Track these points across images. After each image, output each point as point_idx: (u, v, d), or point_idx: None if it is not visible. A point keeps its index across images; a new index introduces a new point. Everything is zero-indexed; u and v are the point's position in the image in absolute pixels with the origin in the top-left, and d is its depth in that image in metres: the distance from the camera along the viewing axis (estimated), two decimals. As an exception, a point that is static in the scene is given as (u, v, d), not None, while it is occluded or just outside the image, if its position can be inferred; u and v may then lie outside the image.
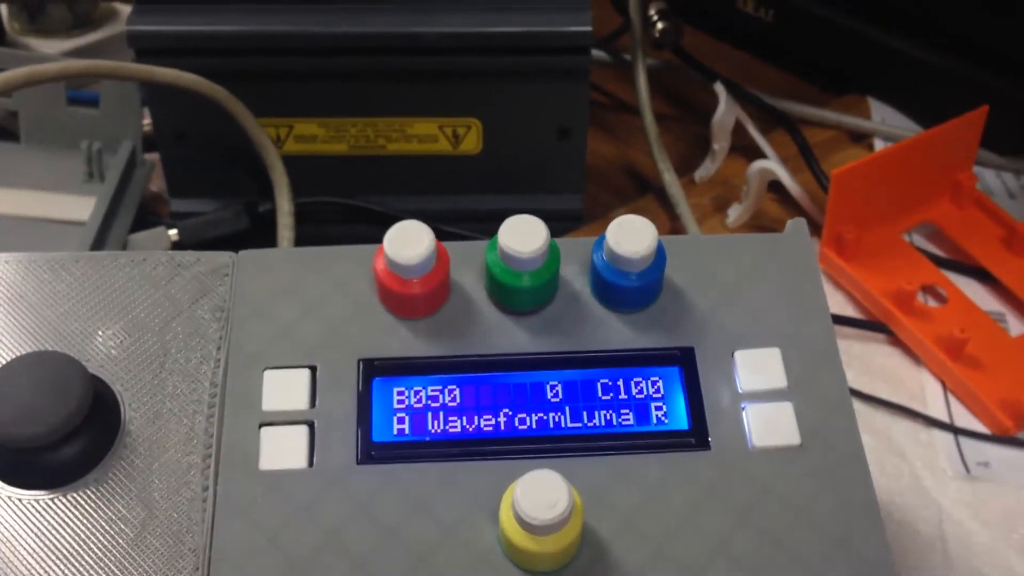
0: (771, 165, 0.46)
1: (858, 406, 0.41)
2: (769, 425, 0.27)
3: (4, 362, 0.25)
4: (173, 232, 0.43)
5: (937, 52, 0.52)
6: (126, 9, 0.55)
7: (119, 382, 0.26)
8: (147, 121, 0.46)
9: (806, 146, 0.50)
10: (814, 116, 0.54)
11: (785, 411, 0.27)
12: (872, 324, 0.43)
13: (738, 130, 0.50)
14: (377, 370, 0.27)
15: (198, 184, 0.46)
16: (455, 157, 0.46)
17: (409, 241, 0.27)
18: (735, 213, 0.48)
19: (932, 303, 0.43)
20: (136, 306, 0.27)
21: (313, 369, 0.27)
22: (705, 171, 0.50)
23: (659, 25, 0.50)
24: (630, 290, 0.28)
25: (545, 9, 0.43)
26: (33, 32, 0.53)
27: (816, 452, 0.26)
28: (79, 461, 0.25)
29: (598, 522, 0.25)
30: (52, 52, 0.52)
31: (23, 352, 0.26)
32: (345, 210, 0.46)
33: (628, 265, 0.27)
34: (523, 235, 0.27)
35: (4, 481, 0.25)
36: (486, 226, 0.47)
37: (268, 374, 0.27)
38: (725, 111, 0.47)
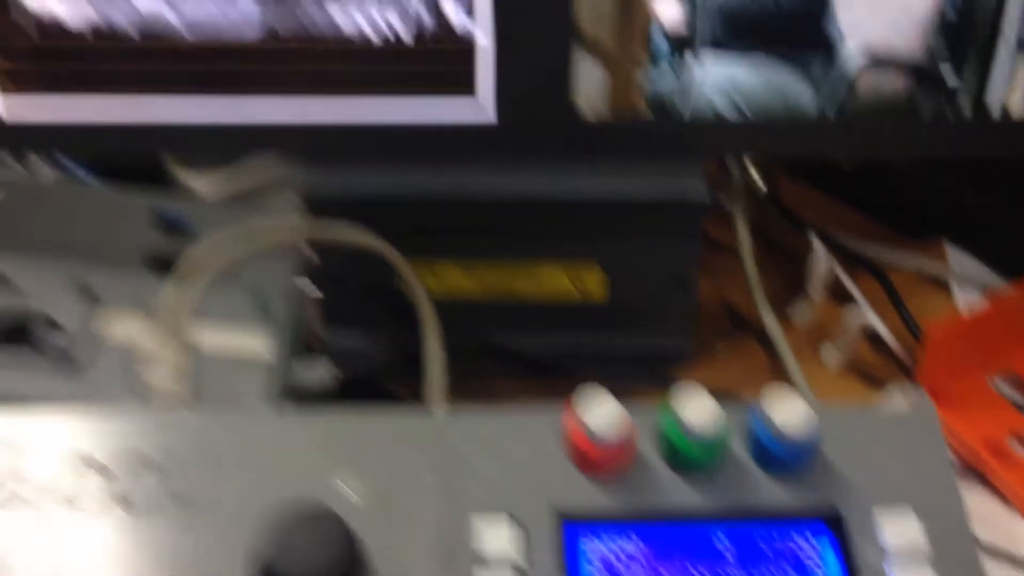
0: (868, 315, 0.51)
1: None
2: (913, 580, 0.31)
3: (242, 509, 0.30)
4: (332, 366, 0.48)
5: (1008, 206, 0.57)
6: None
7: (360, 529, 0.30)
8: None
9: (895, 293, 0.54)
10: (894, 259, 0.58)
11: (925, 571, 0.31)
12: (965, 470, 0.47)
13: (829, 275, 0.55)
14: (570, 520, 0.32)
15: (350, 319, 0.51)
16: (579, 300, 0.51)
17: (599, 408, 0.31)
18: (831, 355, 0.53)
19: (1021, 451, 0.48)
20: (372, 462, 0.32)
21: (512, 516, 0.32)
22: (801, 313, 0.55)
23: (757, 180, 0.55)
24: (789, 460, 0.32)
25: (665, 174, 0.48)
26: (190, 176, 0.58)
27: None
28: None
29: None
30: (207, 189, 0.57)
31: (272, 500, 0.30)
32: (482, 347, 0.50)
33: (790, 441, 0.32)
34: (700, 411, 0.32)
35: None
36: (606, 363, 0.52)
37: (476, 520, 0.31)
38: (819, 261, 0.52)
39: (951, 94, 0.47)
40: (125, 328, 0.47)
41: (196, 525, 0.31)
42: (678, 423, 0.32)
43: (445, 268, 0.50)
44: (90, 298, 0.48)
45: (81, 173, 0.53)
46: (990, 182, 0.58)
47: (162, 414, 0.33)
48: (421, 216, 0.48)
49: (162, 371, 0.35)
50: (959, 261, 0.59)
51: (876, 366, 0.53)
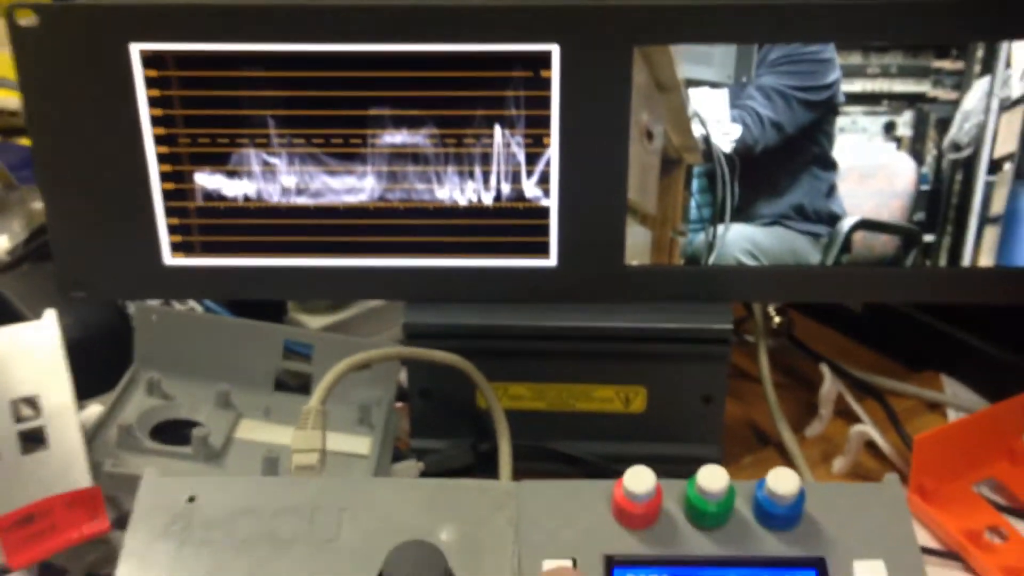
0: (867, 429, 0.60)
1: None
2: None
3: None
4: (420, 464, 0.59)
5: (994, 344, 0.67)
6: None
7: (456, 567, 0.41)
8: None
9: (893, 414, 0.64)
10: (898, 388, 0.68)
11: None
12: (949, 554, 0.56)
13: (839, 398, 0.65)
14: (617, 563, 0.42)
15: (434, 426, 0.61)
16: (625, 414, 0.61)
17: (641, 480, 0.42)
18: (838, 464, 0.62)
19: (996, 540, 0.56)
20: (462, 517, 0.43)
21: (575, 561, 0.42)
22: (813, 430, 0.65)
23: (776, 318, 0.66)
24: (782, 517, 0.42)
25: (696, 312, 0.59)
26: (302, 310, 0.71)
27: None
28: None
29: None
30: (315, 325, 0.69)
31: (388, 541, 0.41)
32: (544, 451, 0.61)
33: (782, 500, 0.42)
34: (714, 480, 0.42)
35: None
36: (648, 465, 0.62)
37: (548, 563, 0.41)
38: (829, 387, 0.62)
39: (929, 250, 0.58)
40: (253, 429, 0.59)
41: (335, 559, 0.41)
42: (697, 487, 0.42)
43: (516, 388, 0.61)
44: (228, 406, 0.59)
45: (218, 307, 0.66)
46: (980, 322, 0.69)
47: (307, 482, 0.44)
48: (498, 344, 0.60)
49: (303, 457, 0.46)
50: (953, 389, 0.69)
51: (877, 473, 0.62)
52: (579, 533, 0.43)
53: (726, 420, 0.66)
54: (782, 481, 0.42)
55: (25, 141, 0.76)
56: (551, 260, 0.58)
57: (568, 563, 0.42)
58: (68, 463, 0.50)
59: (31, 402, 0.50)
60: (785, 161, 0.56)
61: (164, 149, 0.56)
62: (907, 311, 0.71)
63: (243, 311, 0.64)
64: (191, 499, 0.43)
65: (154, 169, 0.56)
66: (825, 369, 0.63)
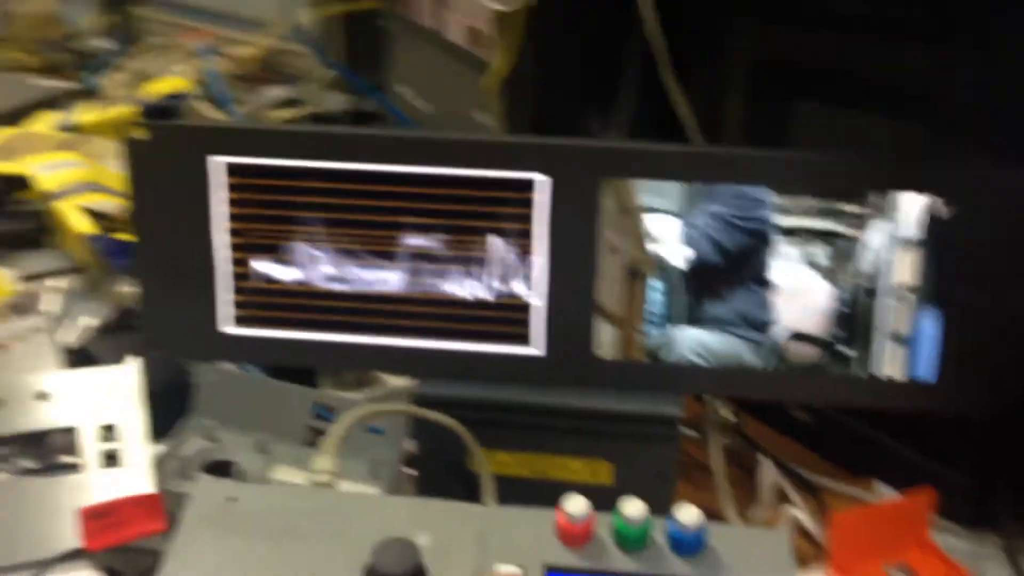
0: (796, 512, 0.71)
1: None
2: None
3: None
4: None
5: (920, 455, 0.78)
6: (390, 379, 0.86)
7: (429, 563, 0.52)
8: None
9: (824, 504, 0.75)
10: (836, 488, 0.79)
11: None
12: (857, 619, 0.66)
13: (782, 492, 0.76)
14: (553, 570, 0.53)
15: (434, 486, 0.73)
16: (595, 485, 0.73)
17: (577, 504, 0.54)
18: (773, 541, 0.73)
19: (896, 609, 0.67)
20: (439, 527, 0.54)
21: (523, 567, 0.53)
22: (755, 513, 0.76)
23: (729, 418, 0.78)
24: (688, 544, 0.54)
25: (653, 400, 0.72)
26: (334, 385, 0.84)
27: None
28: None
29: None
30: (353, 398, 0.82)
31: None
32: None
33: (685, 529, 0.53)
34: (634, 509, 0.54)
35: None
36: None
37: (500, 567, 0.53)
38: (766, 473, 0.74)
39: (848, 361, 0.70)
40: (284, 472, 0.71)
41: (340, 549, 0.53)
42: (622, 515, 0.54)
43: (501, 456, 0.73)
44: (264, 452, 0.72)
45: (258, 370, 0.79)
46: (908, 431, 0.80)
47: (323, 492, 0.57)
48: (489, 415, 0.72)
49: (319, 476, 0.59)
50: (886, 493, 0.80)
51: (808, 553, 0.73)
52: (528, 547, 0.54)
53: (684, 500, 0.77)
54: (685, 513, 0.54)
55: (118, 235, 0.91)
56: (534, 348, 0.71)
57: (517, 570, 0.53)
58: (136, 481, 0.63)
59: (111, 428, 0.64)
60: (727, 276, 0.69)
61: (236, 240, 0.71)
62: (846, 421, 0.83)
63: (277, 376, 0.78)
64: (232, 499, 0.55)
65: (221, 255, 0.71)
66: (764, 460, 0.75)
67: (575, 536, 0.54)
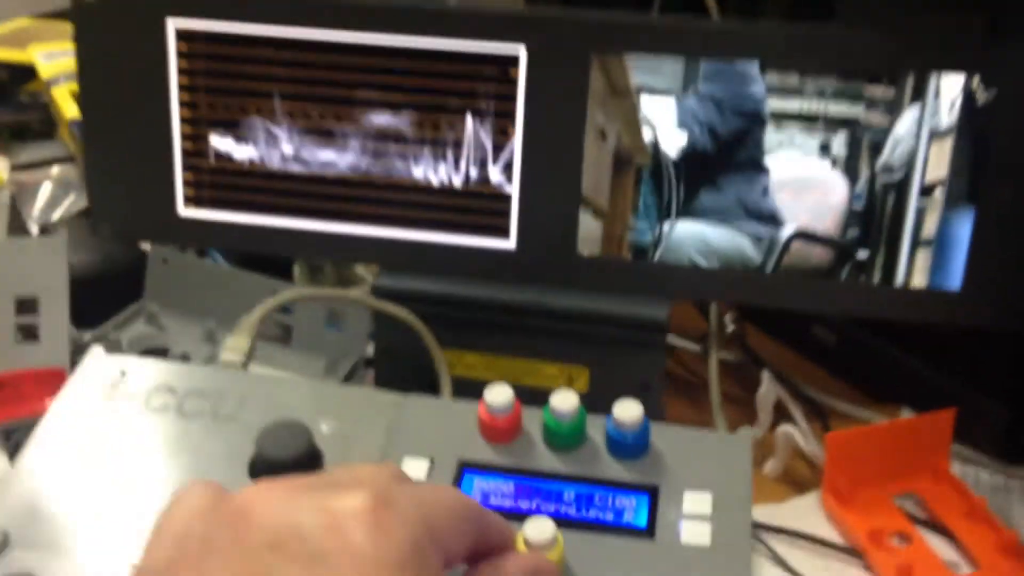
0: (792, 431, 0.63)
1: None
2: (693, 533, 0.43)
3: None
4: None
5: (952, 380, 0.69)
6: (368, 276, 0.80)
7: (325, 450, 0.46)
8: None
9: (826, 423, 0.66)
10: (851, 412, 0.70)
11: (705, 527, 0.44)
12: (850, 551, 0.58)
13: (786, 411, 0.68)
14: (467, 467, 0.46)
15: (393, 386, 0.67)
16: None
17: (500, 394, 0.47)
18: (769, 466, 0.65)
19: (899, 544, 0.58)
20: (347, 415, 0.48)
21: (432, 460, 0.47)
22: (753, 434, 0.67)
23: (730, 328, 0.70)
24: (627, 446, 0.46)
25: (638, 303, 0.64)
26: (312, 284, 0.78)
27: (718, 552, 0.43)
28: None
29: (580, 565, 0.42)
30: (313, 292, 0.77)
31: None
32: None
33: (625, 428, 0.46)
34: (565, 401, 0.46)
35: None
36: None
37: (407, 460, 0.47)
38: (766, 390, 0.65)
39: (863, 266, 0.61)
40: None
41: (228, 434, 0.48)
42: (551, 408, 0.47)
43: (471, 357, 0.67)
44: (212, 342, 0.67)
45: (214, 255, 0.74)
46: (947, 359, 0.70)
47: (222, 372, 0.51)
48: (456, 312, 0.66)
49: (230, 355, 0.53)
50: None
51: (806, 479, 0.64)
52: (445, 441, 0.48)
53: (672, 416, 0.70)
54: (626, 410, 0.46)
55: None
56: (510, 242, 0.64)
57: (425, 463, 0.47)
58: (53, 360, 0.58)
59: (32, 302, 0.59)
60: (721, 162, 0.61)
61: (187, 113, 0.65)
62: (873, 342, 0.73)
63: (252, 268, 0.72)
64: (122, 373, 0.50)
65: (176, 130, 0.65)
66: (765, 374, 0.66)
67: (498, 431, 0.47)
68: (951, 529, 0.59)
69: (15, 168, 0.93)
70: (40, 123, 1.00)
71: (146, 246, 0.72)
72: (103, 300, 0.68)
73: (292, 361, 0.68)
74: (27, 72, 1.02)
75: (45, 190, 0.88)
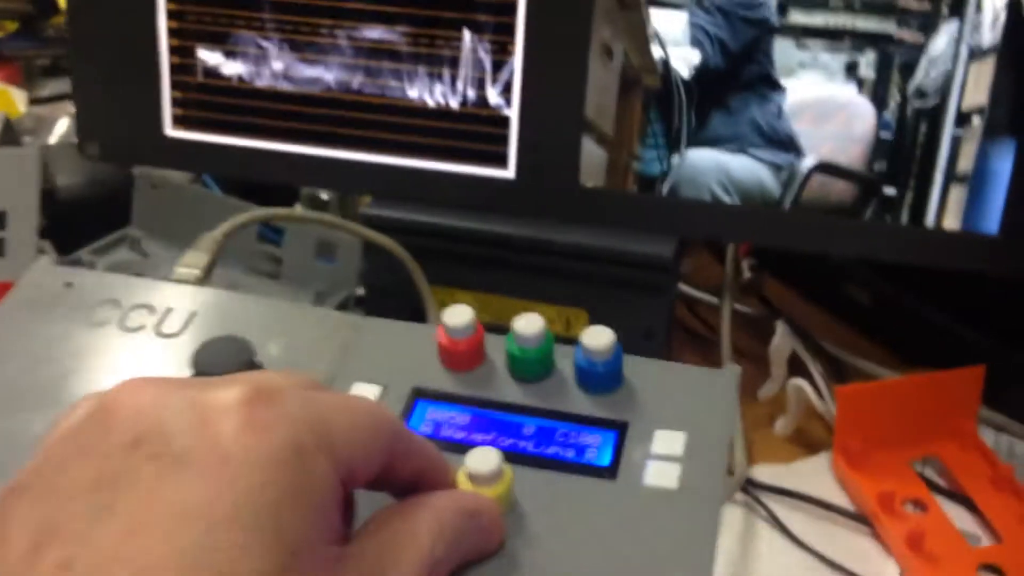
0: (804, 384, 0.58)
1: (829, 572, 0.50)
2: (659, 475, 0.39)
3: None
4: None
5: (991, 341, 0.63)
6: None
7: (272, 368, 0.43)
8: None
9: (843, 377, 0.61)
10: (876, 372, 0.65)
11: (673, 469, 0.39)
12: (858, 517, 0.53)
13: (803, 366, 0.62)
14: (421, 396, 0.42)
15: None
16: (567, 339, 0.61)
17: (459, 315, 0.42)
18: (780, 424, 0.59)
19: (912, 510, 0.52)
20: (298, 336, 0.44)
21: (384, 388, 0.43)
22: (766, 391, 0.62)
23: (747, 274, 0.65)
24: (598, 378, 0.42)
25: (644, 241, 0.59)
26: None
27: (684, 495, 0.38)
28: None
29: (531, 505, 0.38)
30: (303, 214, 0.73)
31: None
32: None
33: (595, 356, 0.41)
34: (529, 325, 0.42)
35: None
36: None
37: (356, 385, 0.43)
38: (779, 342, 0.60)
39: (889, 204, 0.56)
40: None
41: (167, 350, 0.44)
42: (514, 333, 0.42)
43: (462, 295, 0.63)
44: (197, 271, 0.64)
45: (210, 182, 0.71)
46: (988, 319, 0.64)
47: (170, 287, 0.47)
48: (449, 246, 0.61)
49: (185, 271, 0.50)
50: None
51: (820, 441, 0.59)
52: (400, 367, 0.43)
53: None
54: (596, 336, 0.41)
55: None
56: (509, 172, 0.60)
57: (375, 389, 0.43)
58: (18, 277, 0.55)
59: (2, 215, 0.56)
60: (732, 80, 0.55)
61: (174, 24, 0.62)
62: (909, 301, 0.67)
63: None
64: (68, 284, 0.47)
65: (164, 42, 0.62)
66: (780, 325, 0.61)
67: (457, 356, 0.43)
68: (973, 498, 0.53)
69: (35, 102, 0.91)
70: (62, 58, 0.98)
71: (137, 171, 0.69)
72: (90, 224, 0.65)
73: (278, 293, 0.64)
74: (54, 4, 1.00)
75: (62, 125, 0.86)
